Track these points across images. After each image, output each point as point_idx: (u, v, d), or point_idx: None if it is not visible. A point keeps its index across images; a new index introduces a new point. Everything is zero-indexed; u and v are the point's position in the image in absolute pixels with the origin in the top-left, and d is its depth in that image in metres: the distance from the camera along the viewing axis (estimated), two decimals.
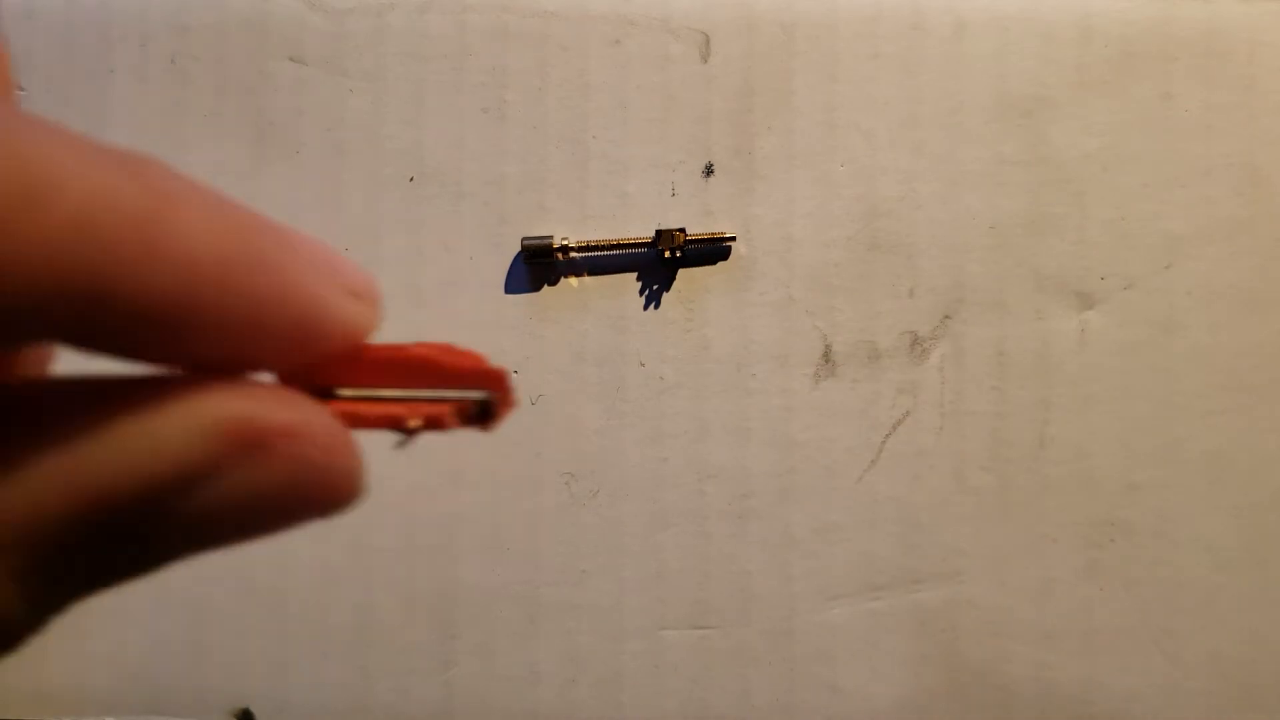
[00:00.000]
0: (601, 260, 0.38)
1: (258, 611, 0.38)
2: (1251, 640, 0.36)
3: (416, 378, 0.25)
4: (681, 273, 0.38)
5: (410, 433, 0.24)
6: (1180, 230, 0.37)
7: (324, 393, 0.22)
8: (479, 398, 0.25)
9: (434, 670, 0.37)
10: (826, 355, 0.38)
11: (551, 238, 0.38)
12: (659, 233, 0.37)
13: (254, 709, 0.37)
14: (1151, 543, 0.36)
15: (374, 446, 0.39)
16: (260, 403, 0.14)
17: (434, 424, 0.24)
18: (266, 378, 0.17)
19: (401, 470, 0.38)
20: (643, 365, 0.38)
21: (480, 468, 0.38)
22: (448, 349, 0.24)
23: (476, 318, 0.38)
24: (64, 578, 0.13)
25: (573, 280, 0.38)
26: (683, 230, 0.37)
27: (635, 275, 0.38)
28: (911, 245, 0.38)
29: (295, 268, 0.14)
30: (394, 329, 0.42)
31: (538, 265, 0.38)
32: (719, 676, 0.37)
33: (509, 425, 0.40)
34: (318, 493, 0.15)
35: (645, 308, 0.38)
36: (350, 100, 0.39)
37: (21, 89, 0.39)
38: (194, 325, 0.13)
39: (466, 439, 0.39)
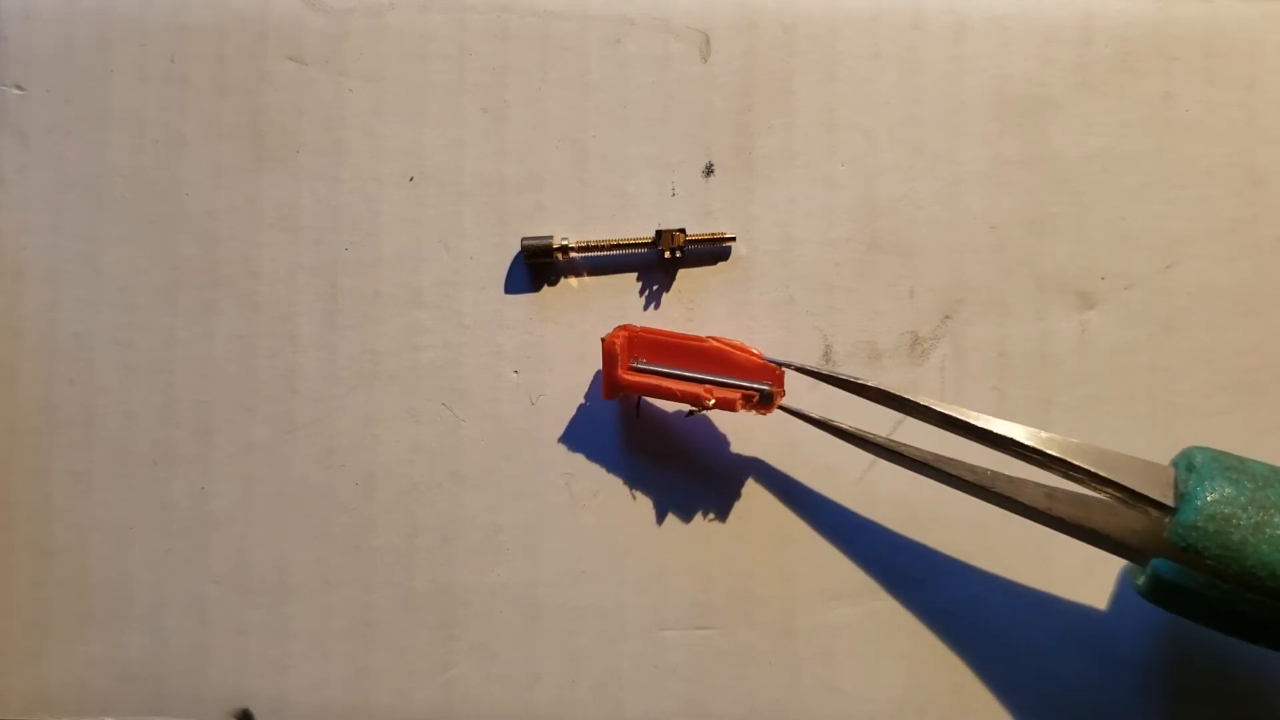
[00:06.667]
0: (601, 260, 0.38)
1: (258, 611, 0.38)
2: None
3: (711, 364, 0.34)
4: (681, 273, 0.38)
5: (706, 408, 0.33)
6: (1180, 230, 0.37)
7: (647, 370, 0.34)
8: (761, 387, 0.34)
9: (434, 670, 0.37)
10: (826, 355, 0.38)
11: (551, 238, 0.38)
12: (659, 233, 0.37)
13: (254, 709, 0.37)
14: None
15: (373, 446, 0.40)
16: None
17: (725, 405, 0.34)
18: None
19: (402, 470, 0.38)
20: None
21: (480, 468, 0.38)
22: (737, 344, 0.34)
23: (476, 318, 0.38)
24: None
25: (573, 280, 0.38)
26: (683, 230, 0.37)
27: (635, 275, 0.38)
28: (911, 245, 0.38)
29: None
30: (394, 329, 0.42)
31: (538, 265, 0.38)
32: (719, 677, 0.37)
33: (509, 425, 0.40)
34: None
35: (645, 308, 0.38)
36: (350, 100, 0.39)
37: (21, 89, 0.39)
38: None
39: (468, 439, 0.40)
